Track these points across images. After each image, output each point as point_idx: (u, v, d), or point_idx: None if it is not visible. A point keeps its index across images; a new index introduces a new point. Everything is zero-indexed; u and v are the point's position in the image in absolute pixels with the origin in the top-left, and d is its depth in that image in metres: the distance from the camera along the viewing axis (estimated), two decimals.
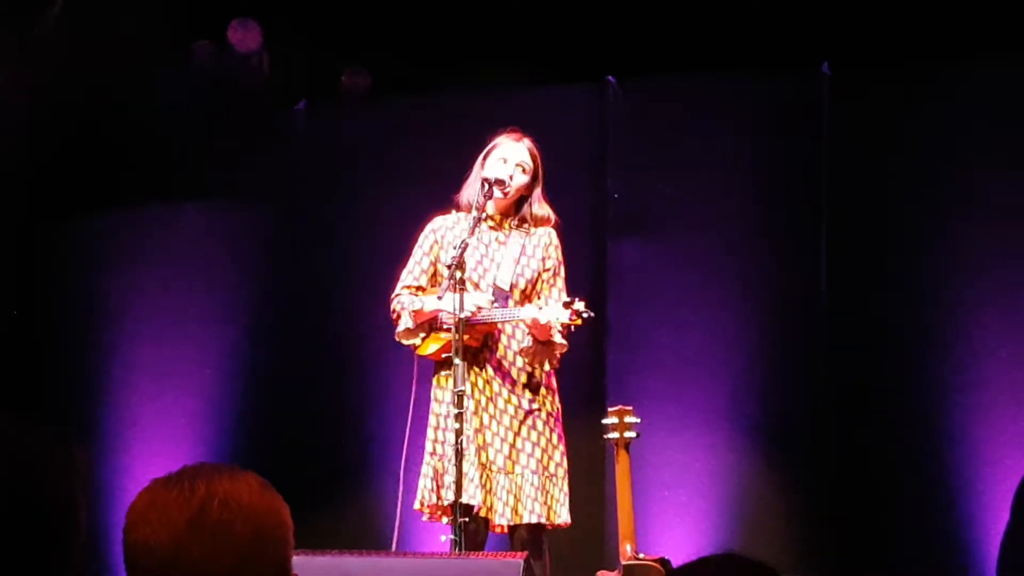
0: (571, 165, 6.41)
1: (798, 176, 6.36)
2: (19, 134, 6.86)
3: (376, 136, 7.03)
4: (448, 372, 5.03)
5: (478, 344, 5.12)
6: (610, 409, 5.16)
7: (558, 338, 5.03)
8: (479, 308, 5.02)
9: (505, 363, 5.14)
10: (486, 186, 5.13)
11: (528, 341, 5.10)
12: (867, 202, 6.25)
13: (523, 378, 5.14)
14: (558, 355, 5.13)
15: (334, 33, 6.77)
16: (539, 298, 5.16)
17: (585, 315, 4.93)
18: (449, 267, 4.99)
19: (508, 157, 5.23)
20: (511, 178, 5.20)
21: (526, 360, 5.11)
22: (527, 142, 5.28)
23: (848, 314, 6.21)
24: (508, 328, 5.14)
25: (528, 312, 5.00)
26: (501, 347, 5.15)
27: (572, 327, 5.01)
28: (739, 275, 6.39)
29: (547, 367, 5.13)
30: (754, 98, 6.46)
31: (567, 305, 4.91)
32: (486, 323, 5.09)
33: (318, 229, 7.05)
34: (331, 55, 6.93)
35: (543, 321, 4.95)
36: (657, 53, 6.39)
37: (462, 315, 4.92)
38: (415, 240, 5.37)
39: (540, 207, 5.28)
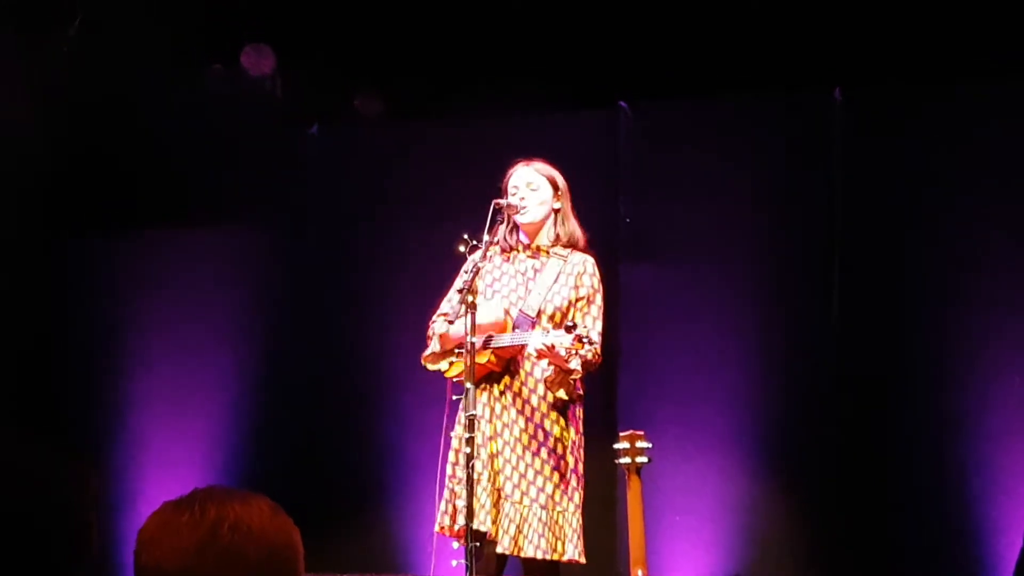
0: (583, 189, 6.38)
1: (810, 201, 6.36)
2: (35, 155, 6.89)
3: (389, 160, 7.05)
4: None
5: (500, 369, 5.12)
6: (621, 434, 5.14)
7: (573, 363, 5.01)
8: (493, 322, 5.03)
9: (525, 390, 5.12)
10: (497, 210, 5.14)
11: (552, 370, 5.09)
12: (879, 227, 6.24)
13: (542, 407, 5.10)
14: (574, 381, 5.11)
15: (347, 57, 6.79)
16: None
17: (586, 341, 4.90)
18: (460, 291, 4.99)
19: (517, 184, 5.25)
20: (523, 200, 5.21)
21: (547, 388, 5.09)
22: (536, 164, 5.29)
23: (859, 340, 6.20)
24: (527, 365, 5.13)
25: (533, 337, 4.99)
26: (523, 373, 5.12)
27: (592, 356, 4.99)
28: (750, 300, 6.39)
29: (564, 395, 5.11)
30: (766, 123, 6.47)
31: (569, 330, 4.88)
32: (504, 348, 5.09)
33: (332, 252, 7.06)
34: (344, 79, 6.95)
35: (545, 344, 4.92)
36: (669, 78, 6.40)
37: (472, 339, 4.92)
38: (446, 268, 5.36)
39: (568, 224, 5.26)
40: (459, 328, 5.06)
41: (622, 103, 6.60)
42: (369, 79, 7.03)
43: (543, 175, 5.27)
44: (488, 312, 5.06)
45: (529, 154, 5.35)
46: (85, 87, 6.74)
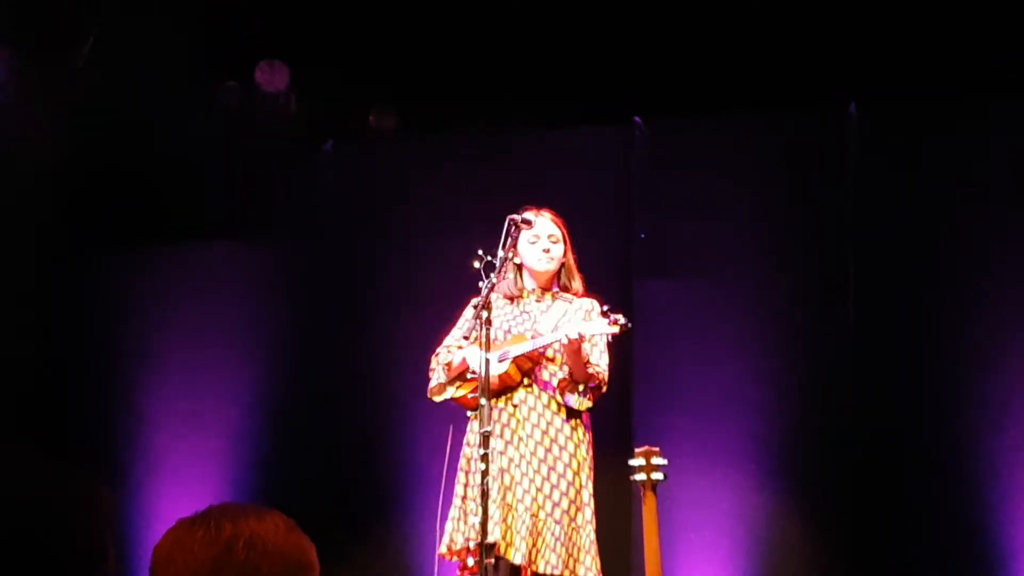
0: (597, 205, 6.41)
1: (825, 216, 6.35)
2: (50, 173, 6.90)
3: (403, 176, 7.06)
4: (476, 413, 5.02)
5: (515, 384, 5.12)
6: (637, 450, 5.13)
7: (591, 369, 5.04)
8: (505, 353, 5.02)
9: (540, 405, 5.12)
10: (512, 226, 5.13)
11: (565, 374, 5.09)
12: (894, 241, 6.23)
13: (556, 422, 5.11)
14: (585, 391, 5.10)
15: (361, 74, 6.80)
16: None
17: (623, 322, 4.92)
18: (476, 307, 4.99)
19: (540, 235, 5.24)
20: (547, 251, 5.21)
21: (559, 390, 5.09)
22: (548, 214, 5.29)
23: (876, 354, 6.18)
24: (545, 375, 5.12)
25: (571, 328, 4.99)
26: (537, 389, 5.14)
27: (599, 383, 4.99)
28: (765, 315, 6.38)
29: (575, 403, 5.10)
30: (781, 138, 6.46)
31: (604, 314, 4.93)
32: (524, 357, 5.08)
33: (346, 268, 7.06)
34: (358, 96, 6.96)
35: (586, 333, 4.96)
36: (684, 94, 6.41)
37: (488, 355, 4.91)
38: (459, 285, 5.35)
39: (574, 278, 5.30)
40: (460, 357, 5.07)
41: (636, 118, 6.59)
42: (383, 95, 7.03)
43: (560, 229, 5.27)
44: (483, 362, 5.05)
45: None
46: (99, 104, 6.75)
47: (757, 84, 6.30)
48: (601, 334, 5.13)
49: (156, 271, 7.33)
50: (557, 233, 5.27)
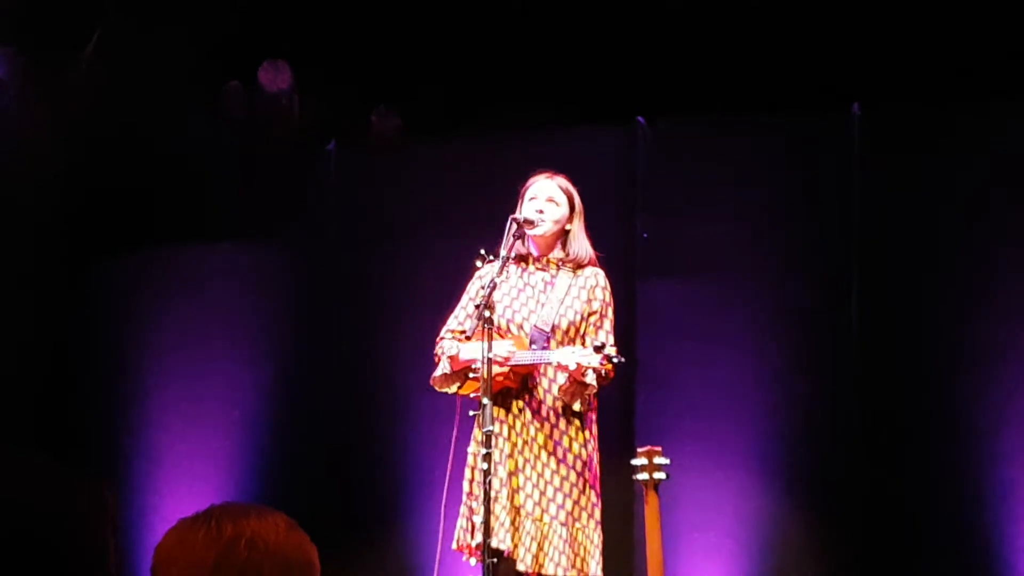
0: (601, 206, 6.39)
1: (829, 217, 6.35)
2: (53, 174, 6.91)
3: (406, 177, 7.05)
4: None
5: (516, 386, 5.10)
6: (639, 450, 5.12)
7: (590, 378, 4.99)
8: (506, 357, 5.00)
9: (544, 408, 5.10)
10: (514, 226, 5.12)
11: (566, 380, 5.07)
12: (898, 243, 6.23)
13: (561, 423, 5.09)
14: (589, 395, 5.10)
15: (364, 74, 6.80)
16: (583, 339, 5.12)
17: (615, 360, 4.90)
18: (477, 307, 4.98)
19: (537, 195, 5.23)
20: (540, 213, 5.18)
21: (560, 397, 5.07)
22: (559, 179, 5.26)
23: (880, 356, 6.17)
24: (550, 372, 5.10)
25: (559, 355, 4.98)
26: (540, 390, 5.10)
27: (605, 372, 4.97)
28: (769, 316, 6.37)
29: (578, 406, 5.10)
30: (784, 139, 6.46)
31: (598, 350, 4.88)
32: (522, 365, 5.07)
33: (348, 269, 7.06)
34: (361, 96, 6.96)
35: (572, 365, 4.93)
36: (687, 94, 6.40)
37: (490, 355, 4.90)
38: (462, 285, 5.34)
39: (578, 243, 5.25)
40: (468, 352, 5.06)
41: (640, 119, 6.59)
42: (386, 96, 7.03)
43: (564, 192, 5.24)
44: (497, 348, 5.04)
45: (544, 168, 5.33)
46: (103, 105, 6.75)
47: (760, 84, 6.30)
48: (605, 325, 5.14)
49: (158, 272, 7.33)
50: (557, 197, 5.22)
